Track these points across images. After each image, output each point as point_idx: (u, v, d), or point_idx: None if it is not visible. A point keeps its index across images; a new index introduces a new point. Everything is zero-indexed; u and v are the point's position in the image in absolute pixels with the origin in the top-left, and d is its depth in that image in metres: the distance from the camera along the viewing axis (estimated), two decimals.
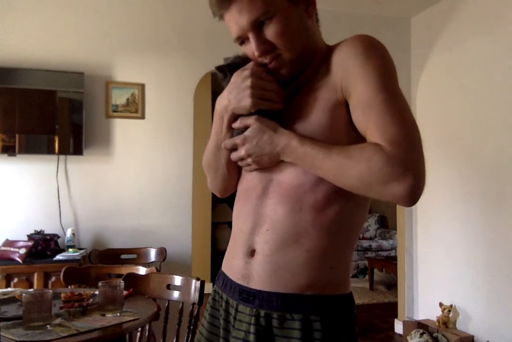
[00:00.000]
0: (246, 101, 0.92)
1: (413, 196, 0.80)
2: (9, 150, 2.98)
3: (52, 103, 3.07)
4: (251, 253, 0.93)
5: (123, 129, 3.29)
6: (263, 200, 0.94)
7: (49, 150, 3.08)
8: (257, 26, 0.91)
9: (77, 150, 3.10)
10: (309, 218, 0.88)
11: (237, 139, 0.95)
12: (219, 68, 1.01)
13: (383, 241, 6.44)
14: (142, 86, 3.33)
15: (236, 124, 0.96)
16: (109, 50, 3.28)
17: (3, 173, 3.06)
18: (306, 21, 0.95)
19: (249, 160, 0.94)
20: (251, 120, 0.93)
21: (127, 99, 3.29)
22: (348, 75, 0.88)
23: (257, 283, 0.91)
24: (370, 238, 6.61)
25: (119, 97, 3.28)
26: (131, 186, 3.28)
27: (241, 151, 0.94)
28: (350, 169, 0.83)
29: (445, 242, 3.47)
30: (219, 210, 5.82)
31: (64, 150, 3.10)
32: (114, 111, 3.27)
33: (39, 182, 3.11)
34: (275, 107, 0.94)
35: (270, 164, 0.93)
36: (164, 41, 3.38)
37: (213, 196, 5.44)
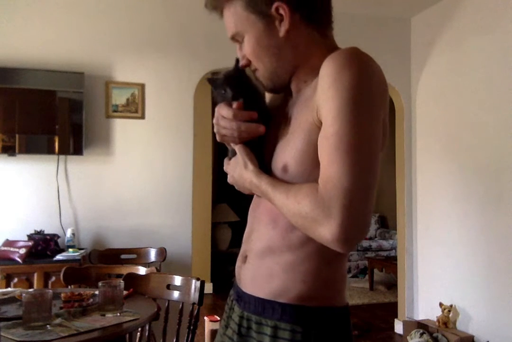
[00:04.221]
0: (219, 138, 0.97)
1: (341, 241, 0.77)
2: (9, 150, 2.98)
3: (52, 103, 3.07)
4: (244, 258, 0.99)
5: (123, 129, 3.29)
6: (255, 214, 1.00)
7: (49, 150, 3.08)
8: (238, 41, 0.95)
9: (77, 150, 3.10)
10: (280, 236, 0.91)
11: (224, 168, 1.02)
12: (209, 80, 1.01)
13: (383, 241, 6.44)
14: (142, 86, 3.33)
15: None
16: (109, 50, 3.28)
17: (3, 173, 3.06)
18: (277, 39, 0.90)
19: (236, 188, 0.99)
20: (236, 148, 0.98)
21: (127, 99, 3.29)
22: (320, 97, 0.81)
23: (243, 286, 0.97)
24: (370, 238, 6.60)
25: (119, 97, 3.28)
26: (131, 186, 3.28)
27: (228, 180, 1.01)
28: (288, 210, 0.84)
29: (445, 242, 3.46)
30: (219, 210, 5.79)
31: (64, 150, 3.10)
32: (114, 111, 3.27)
33: (39, 182, 3.11)
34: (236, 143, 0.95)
35: (252, 193, 0.97)
36: (164, 41, 3.38)
37: (213, 196, 5.44)
